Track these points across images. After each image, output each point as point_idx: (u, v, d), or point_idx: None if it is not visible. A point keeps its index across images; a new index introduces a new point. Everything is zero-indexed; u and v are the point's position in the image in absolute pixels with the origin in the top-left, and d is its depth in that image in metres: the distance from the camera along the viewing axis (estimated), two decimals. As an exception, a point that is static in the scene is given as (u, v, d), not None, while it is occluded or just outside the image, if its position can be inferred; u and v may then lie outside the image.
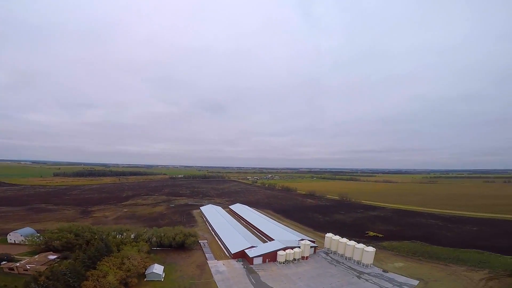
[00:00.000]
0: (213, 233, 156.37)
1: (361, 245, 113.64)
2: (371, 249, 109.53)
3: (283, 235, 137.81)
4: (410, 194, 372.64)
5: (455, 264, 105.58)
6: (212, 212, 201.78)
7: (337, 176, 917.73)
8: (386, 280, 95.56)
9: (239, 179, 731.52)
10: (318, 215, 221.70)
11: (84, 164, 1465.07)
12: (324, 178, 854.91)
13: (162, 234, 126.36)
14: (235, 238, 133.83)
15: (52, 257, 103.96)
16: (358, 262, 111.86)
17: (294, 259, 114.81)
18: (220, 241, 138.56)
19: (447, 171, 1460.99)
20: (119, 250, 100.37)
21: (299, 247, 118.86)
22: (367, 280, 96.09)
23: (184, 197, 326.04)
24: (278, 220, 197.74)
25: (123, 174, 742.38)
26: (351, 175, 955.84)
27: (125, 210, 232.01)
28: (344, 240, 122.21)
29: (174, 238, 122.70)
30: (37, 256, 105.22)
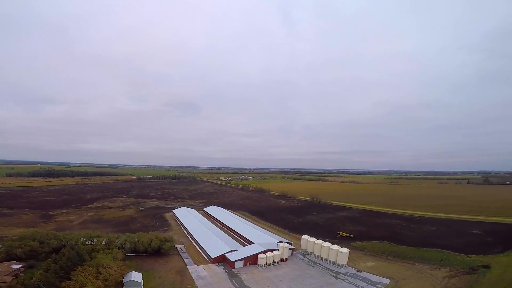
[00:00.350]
0: (189, 237, 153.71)
1: (335, 247, 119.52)
2: (345, 250, 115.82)
3: (262, 238, 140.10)
4: (374, 195, 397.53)
5: (420, 262, 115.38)
6: (186, 215, 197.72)
7: (306, 177, 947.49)
8: (360, 280, 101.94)
9: (211, 179, 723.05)
10: (292, 216, 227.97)
11: (41, 163, 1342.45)
12: (294, 178, 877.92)
13: (137, 240, 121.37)
14: (213, 242, 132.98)
15: (16, 266, 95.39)
16: (334, 263, 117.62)
17: (274, 262, 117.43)
18: (197, 245, 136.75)
19: (406, 172, 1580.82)
20: (92, 258, 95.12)
21: (278, 249, 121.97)
22: (343, 280, 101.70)
23: (154, 199, 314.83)
24: (254, 222, 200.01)
25: (85, 174, 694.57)
26: (319, 176, 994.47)
27: (91, 213, 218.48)
28: (320, 241, 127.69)
29: (150, 244, 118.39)
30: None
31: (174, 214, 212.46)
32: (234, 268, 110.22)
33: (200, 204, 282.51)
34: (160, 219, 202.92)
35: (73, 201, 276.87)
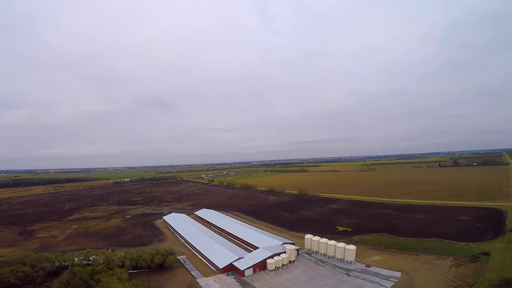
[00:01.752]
0: (188, 246, 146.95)
1: (342, 244, 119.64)
2: (352, 247, 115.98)
3: (264, 241, 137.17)
4: (357, 183, 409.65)
5: (423, 253, 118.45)
6: (179, 222, 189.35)
7: (288, 168, 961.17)
8: (372, 275, 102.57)
9: (193, 178, 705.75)
10: (286, 213, 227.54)
11: (4, 172, 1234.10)
12: (277, 171, 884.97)
13: (136, 256, 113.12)
14: (216, 250, 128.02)
15: None
16: (342, 260, 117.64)
17: (283, 265, 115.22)
18: (200, 255, 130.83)
19: (379, 157, 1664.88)
20: (97, 282, 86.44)
21: (285, 252, 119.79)
22: (356, 277, 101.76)
23: (138, 205, 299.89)
24: (250, 222, 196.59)
25: (57, 181, 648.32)
26: (300, 166, 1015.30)
27: (74, 226, 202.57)
28: (325, 240, 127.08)
29: (152, 260, 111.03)
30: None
31: (165, 221, 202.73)
32: (244, 276, 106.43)
33: (189, 207, 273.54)
34: (151, 228, 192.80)
35: (51, 213, 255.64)
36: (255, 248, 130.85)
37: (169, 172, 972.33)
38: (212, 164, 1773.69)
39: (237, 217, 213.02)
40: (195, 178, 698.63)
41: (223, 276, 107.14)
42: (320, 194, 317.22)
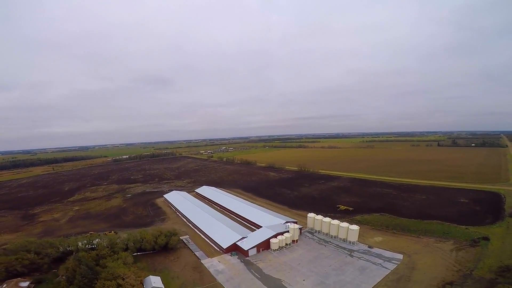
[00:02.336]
0: (190, 225, 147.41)
1: (345, 224, 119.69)
2: (355, 227, 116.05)
3: (267, 219, 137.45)
4: (357, 161, 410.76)
5: (424, 235, 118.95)
6: (180, 200, 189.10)
7: (287, 144, 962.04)
8: (375, 256, 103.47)
9: (192, 154, 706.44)
10: (286, 190, 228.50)
11: (2, 153, 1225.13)
12: (275, 146, 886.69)
13: (140, 238, 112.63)
14: (219, 229, 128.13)
15: (24, 284, 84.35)
16: (344, 240, 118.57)
17: (286, 244, 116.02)
18: (203, 234, 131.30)
19: (377, 134, 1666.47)
20: (102, 268, 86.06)
21: (288, 231, 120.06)
22: (359, 258, 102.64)
23: (138, 183, 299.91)
24: (251, 200, 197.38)
25: (55, 161, 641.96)
26: (298, 142, 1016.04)
27: (76, 208, 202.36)
28: (328, 219, 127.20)
29: (156, 242, 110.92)
30: (5, 285, 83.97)
31: (166, 199, 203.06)
32: (248, 256, 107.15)
33: (189, 185, 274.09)
34: (153, 207, 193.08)
35: (51, 195, 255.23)
36: (258, 227, 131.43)
37: (167, 148, 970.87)
38: (210, 140, 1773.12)
39: (238, 194, 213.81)
40: (194, 154, 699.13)
41: (227, 257, 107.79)
42: (320, 171, 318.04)
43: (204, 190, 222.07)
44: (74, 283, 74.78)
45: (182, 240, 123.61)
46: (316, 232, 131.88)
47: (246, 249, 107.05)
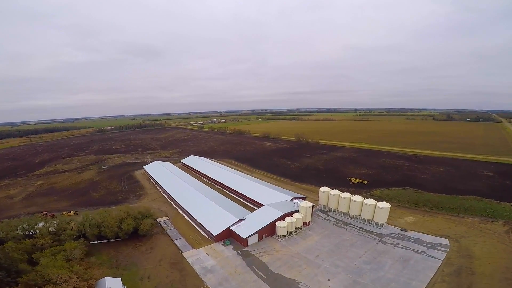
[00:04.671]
0: (172, 203, 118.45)
1: (370, 201, 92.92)
2: (386, 205, 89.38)
3: (270, 196, 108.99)
4: (355, 131, 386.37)
5: (465, 214, 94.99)
6: (163, 172, 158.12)
7: (280, 117, 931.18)
8: (414, 242, 78.46)
9: (181, 125, 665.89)
10: (286, 160, 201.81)
11: None
12: (268, 119, 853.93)
13: (100, 222, 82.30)
14: (208, 209, 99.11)
15: None
16: (369, 222, 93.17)
17: (296, 228, 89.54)
18: (187, 215, 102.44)
19: (368, 109, 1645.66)
20: (34, 265, 57.13)
21: (298, 210, 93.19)
22: (395, 246, 77.40)
23: (119, 154, 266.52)
24: (247, 171, 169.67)
25: (35, 132, 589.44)
26: (292, 115, 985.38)
27: (40, 182, 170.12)
28: (347, 195, 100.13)
29: (120, 227, 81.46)
30: None
31: (146, 171, 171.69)
32: (247, 246, 79.91)
33: (175, 155, 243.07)
34: (129, 180, 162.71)
35: (17, 168, 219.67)
36: (259, 205, 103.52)
37: (156, 120, 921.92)
38: (201, 112, 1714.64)
39: (231, 166, 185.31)
40: (184, 125, 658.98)
41: (218, 247, 79.92)
42: (320, 141, 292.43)
43: (192, 161, 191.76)
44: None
45: (159, 223, 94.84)
46: (330, 211, 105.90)
47: (244, 237, 79.35)
